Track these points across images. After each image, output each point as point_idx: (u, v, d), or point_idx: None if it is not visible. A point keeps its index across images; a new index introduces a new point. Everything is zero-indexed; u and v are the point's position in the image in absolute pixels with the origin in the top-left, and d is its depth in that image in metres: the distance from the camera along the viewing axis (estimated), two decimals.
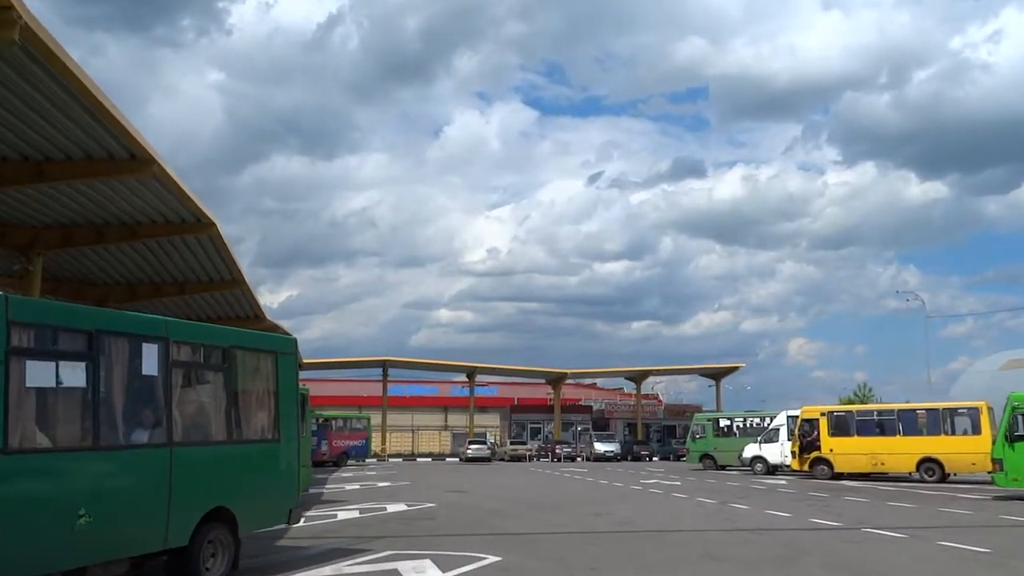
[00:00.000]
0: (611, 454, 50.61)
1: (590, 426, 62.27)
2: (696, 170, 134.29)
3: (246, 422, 9.80)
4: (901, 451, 27.19)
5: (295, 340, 11.04)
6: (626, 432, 64.90)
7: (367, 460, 46.22)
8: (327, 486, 25.68)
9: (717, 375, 65.89)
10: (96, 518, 7.44)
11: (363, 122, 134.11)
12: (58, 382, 7.51)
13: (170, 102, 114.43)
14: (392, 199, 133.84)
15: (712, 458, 37.65)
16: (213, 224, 20.34)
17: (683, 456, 44.17)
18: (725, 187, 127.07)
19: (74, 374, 7.68)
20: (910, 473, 27.36)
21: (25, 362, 7.16)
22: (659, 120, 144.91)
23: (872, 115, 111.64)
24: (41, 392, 7.41)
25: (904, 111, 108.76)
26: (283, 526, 10.86)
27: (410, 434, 62.52)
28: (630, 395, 72.35)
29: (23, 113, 12.61)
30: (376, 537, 12.78)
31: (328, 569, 9.84)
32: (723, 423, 39.77)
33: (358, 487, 25.75)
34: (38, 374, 7.33)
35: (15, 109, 12.47)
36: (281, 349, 10.62)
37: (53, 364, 7.47)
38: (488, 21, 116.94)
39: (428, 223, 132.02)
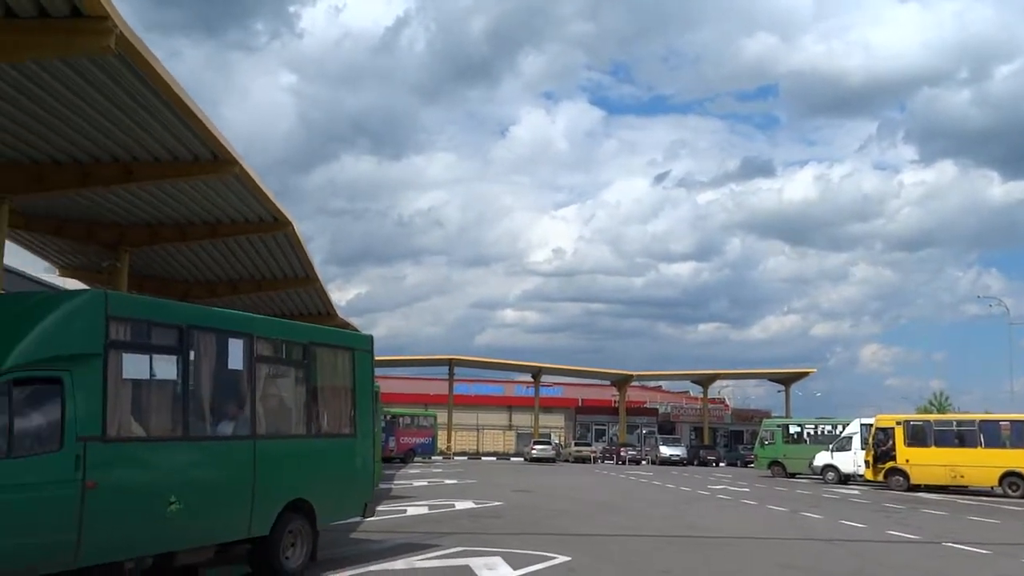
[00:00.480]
0: (677, 458, 50.07)
1: (656, 429, 61.77)
2: (765, 169, 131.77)
3: (324, 417, 10.10)
4: (982, 464, 26.23)
5: (371, 337, 11.29)
6: (692, 436, 64.26)
7: (433, 457, 46.76)
8: (395, 482, 26.07)
9: (787, 380, 64.56)
10: (185, 505, 7.78)
11: (430, 123, 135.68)
12: (151, 374, 7.88)
13: (243, 104, 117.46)
14: (458, 199, 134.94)
15: (781, 465, 36.93)
16: (289, 223, 20.93)
17: (751, 462, 43.43)
18: (796, 187, 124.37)
19: (166, 367, 8.04)
20: (992, 487, 26.40)
21: (122, 355, 7.54)
22: (727, 118, 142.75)
23: (951, 112, 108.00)
24: (136, 384, 7.78)
25: (986, 108, 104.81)
26: (358, 519, 11.14)
27: (475, 433, 62.97)
28: (696, 399, 71.49)
29: (115, 116, 13.19)
30: (446, 533, 12.97)
31: (400, 563, 10.06)
32: (793, 429, 39.00)
33: (426, 484, 26.09)
34: (133, 366, 7.69)
35: (108, 112, 13.05)
36: (358, 346, 10.89)
37: (147, 357, 7.84)
38: (554, 21, 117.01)
39: (494, 223, 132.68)
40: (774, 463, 37.35)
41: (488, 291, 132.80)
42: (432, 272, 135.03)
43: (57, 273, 25.11)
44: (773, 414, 60.91)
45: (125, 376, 7.57)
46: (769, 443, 38.36)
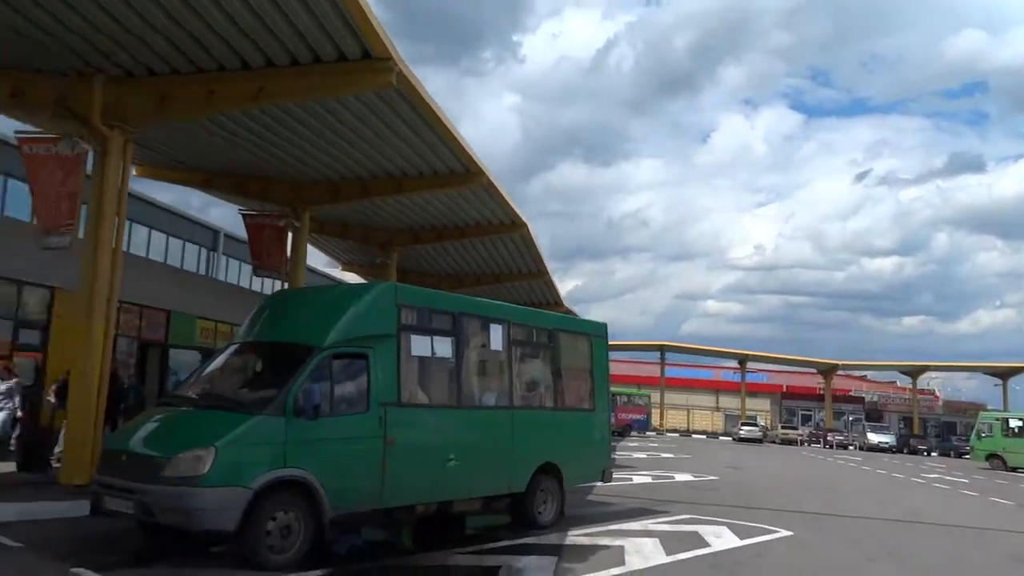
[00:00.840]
0: (886, 445, 46.30)
1: (863, 416, 57.52)
2: (974, 165, 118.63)
3: (568, 393, 10.44)
4: None
5: (606, 325, 11.49)
6: (901, 425, 59.10)
7: (647, 433, 46.52)
8: (617, 453, 26.21)
9: (1005, 374, 57.59)
10: (460, 462, 8.38)
11: (636, 132, 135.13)
12: (432, 353, 8.54)
13: (476, 122, 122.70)
14: (663, 201, 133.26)
15: (1000, 459, 32.99)
16: (524, 225, 21.65)
17: (965, 453, 39.29)
18: (1009, 181, 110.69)
19: (442, 347, 8.67)
20: None
21: (410, 336, 8.24)
22: (932, 116, 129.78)
23: None
24: (420, 360, 8.47)
25: None
26: (597, 483, 11.38)
27: (684, 412, 61.83)
28: (903, 389, 65.72)
29: (391, 140, 14.27)
30: (671, 501, 12.93)
31: (636, 524, 10.17)
32: (1014, 423, 34.64)
33: (644, 456, 26.03)
34: (418, 346, 8.39)
35: (386, 137, 14.14)
36: (594, 332, 11.15)
37: (428, 338, 8.51)
38: (753, 33, 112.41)
39: (696, 222, 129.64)
40: (992, 456, 33.49)
41: (691, 284, 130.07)
42: (639, 267, 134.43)
43: (340, 268, 27.61)
44: (989, 407, 54.57)
45: (412, 353, 8.28)
46: (987, 436, 34.45)
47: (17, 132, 10.95)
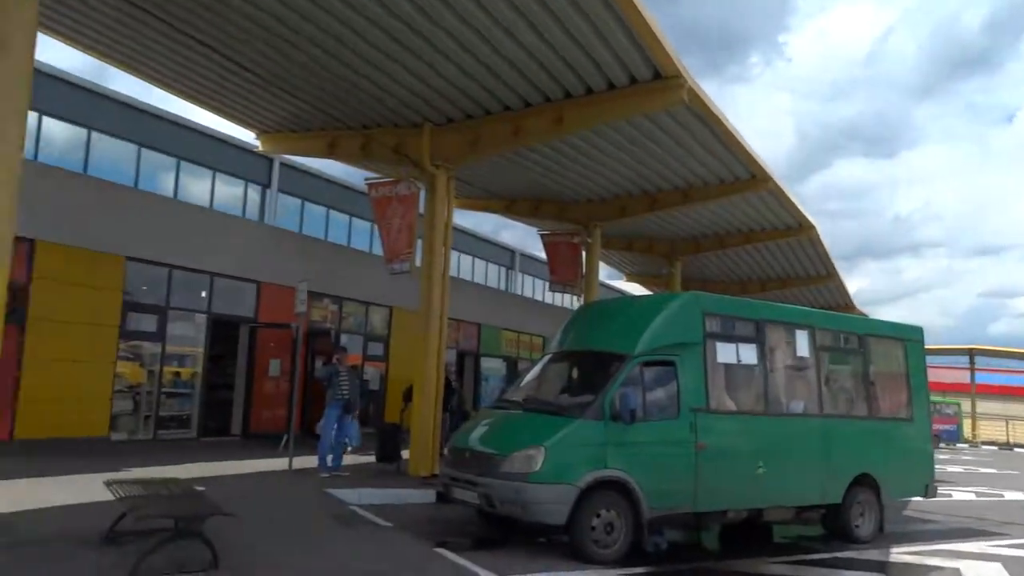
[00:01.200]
0: None
1: None
2: None
3: (882, 401, 9.52)
4: None
5: (921, 328, 10.28)
6: None
7: (957, 445, 40.78)
8: None
9: None
10: (770, 470, 8.00)
11: (922, 120, 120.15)
12: (737, 360, 8.27)
13: (746, 127, 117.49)
14: (958, 190, 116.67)
15: None
16: (812, 227, 20.24)
17: None
18: None
19: (747, 354, 8.37)
20: None
21: (715, 344, 8.06)
22: None
23: None
24: (726, 367, 8.24)
25: None
26: (918, 498, 10.20)
27: (1002, 423, 53.12)
28: None
29: (678, 153, 14.14)
30: (1007, 523, 11.14)
31: (970, 546, 8.92)
32: None
33: (960, 470, 22.78)
34: (723, 353, 8.18)
35: (673, 151, 14.05)
36: (909, 336, 10.04)
37: (733, 346, 8.26)
38: None
39: (1001, 211, 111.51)
40: None
41: (999, 280, 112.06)
42: (933, 263, 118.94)
43: (624, 279, 27.93)
44: None
45: (718, 361, 8.09)
46: None
47: (367, 179, 12.60)
